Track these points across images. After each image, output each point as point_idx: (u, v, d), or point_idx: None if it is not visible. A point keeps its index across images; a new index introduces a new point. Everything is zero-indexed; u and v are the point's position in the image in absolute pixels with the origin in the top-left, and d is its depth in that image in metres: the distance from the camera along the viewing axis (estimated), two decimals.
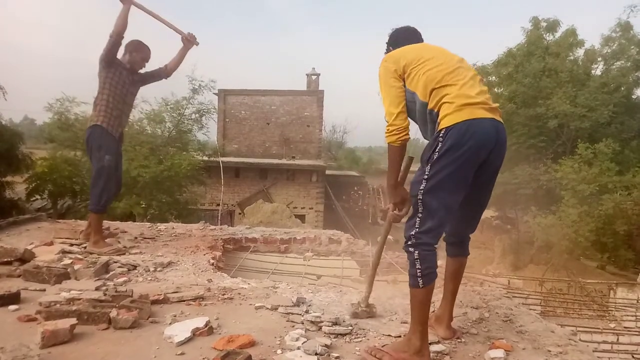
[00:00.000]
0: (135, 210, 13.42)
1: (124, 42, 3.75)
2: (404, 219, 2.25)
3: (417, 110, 2.13)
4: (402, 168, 2.24)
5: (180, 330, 2.07)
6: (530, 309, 3.22)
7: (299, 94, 23.42)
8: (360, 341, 2.16)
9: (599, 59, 18.98)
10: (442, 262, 2.28)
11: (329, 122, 36.91)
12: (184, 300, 2.54)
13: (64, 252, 3.44)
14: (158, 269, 3.21)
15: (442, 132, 1.96)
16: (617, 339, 7.83)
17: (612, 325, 8.93)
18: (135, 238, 4.24)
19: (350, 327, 2.25)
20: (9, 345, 1.79)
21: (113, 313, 2.13)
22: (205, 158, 17.86)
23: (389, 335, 2.23)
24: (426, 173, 1.98)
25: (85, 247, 3.62)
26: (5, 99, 12.69)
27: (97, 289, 2.56)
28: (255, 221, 15.80)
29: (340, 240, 4.96)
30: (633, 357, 7.69)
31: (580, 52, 18.94)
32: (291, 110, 23.18)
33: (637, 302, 9.81)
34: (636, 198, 13.20)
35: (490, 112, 2.02)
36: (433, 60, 2.11)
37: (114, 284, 2.73)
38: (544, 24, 18.71)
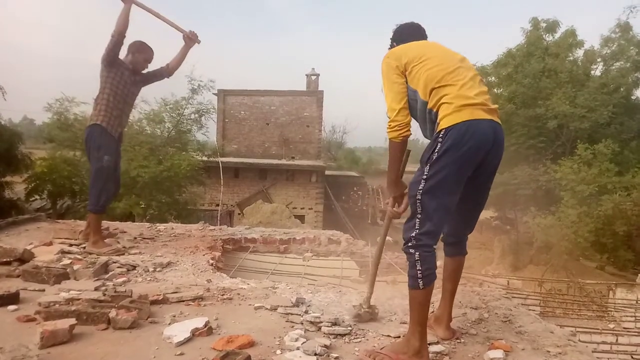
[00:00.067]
0: (134, 210, 13.43)
1: (127, 41, 3.73)
2: (404, 215, 2.26)
3: (418, 108, 2.13)
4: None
5: (179, 331, 2.06)
6: (530, 310, 3.23)
7: (299, 94, 23.42)
8: (360, 342, 2.16)
9: (599, 59, 19.03)
10: (440, 262, 2.28)
11: (329, 123, 37.02)
12: (183, 301, 2.53)
13: (63, 252, 3.43)
14: (157, 269, 3.21)
15: (442, 132, 1.96)
16: (617, 340, 7.83)
17: (612, 325, 8.92)
18: (135, 238, 4.23)
19: (349, 328, 2.25)
20: (8, 346, 1.78)
21: (112, 313, 2.13)
22: (205, 158, 17.86)
23: (389, 336, 2.23)
24: (425, 173, 1.98)
25: (84, 248, 3.61)
26: (5, 99, 12.75)
27: (96, 289, 2.56)
28: (254, 221, 15.80)
29: (340, 240, 4.95)
30: (632, 357, 7.69)
31: (579, 53, 19.03)
32: (291, 110, 23.17)
33: (637, 302, 9.80)
34: (635, 199, 13.22)
35: (488, 113, 2.03)
36: (434, 59, 2.11)
37: (113, 284, 2.72)
38: (544, 25, 18.76)
